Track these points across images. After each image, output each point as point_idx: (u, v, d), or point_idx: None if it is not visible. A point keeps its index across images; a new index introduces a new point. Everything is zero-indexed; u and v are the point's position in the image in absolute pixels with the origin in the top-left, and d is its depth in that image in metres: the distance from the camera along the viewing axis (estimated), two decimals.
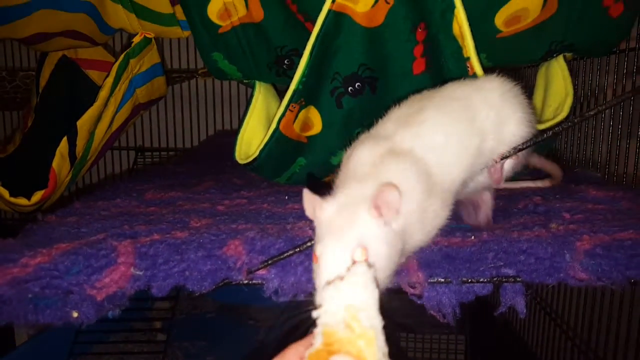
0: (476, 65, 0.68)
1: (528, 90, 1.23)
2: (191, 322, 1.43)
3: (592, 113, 0.57)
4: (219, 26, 0.83)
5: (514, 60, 1.03)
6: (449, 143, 0.56)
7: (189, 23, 0.84)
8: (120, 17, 0.93)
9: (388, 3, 0.67)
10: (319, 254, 0.43)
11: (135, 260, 0.57)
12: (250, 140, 0.87)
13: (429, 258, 0.58)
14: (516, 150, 0.59)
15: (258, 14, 0.80)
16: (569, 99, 0.78)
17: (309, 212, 0.48)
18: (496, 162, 0.60)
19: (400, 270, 0.57)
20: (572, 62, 1.02)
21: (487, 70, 0.70)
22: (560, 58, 0.82)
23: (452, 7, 0.66)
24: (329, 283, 0.40)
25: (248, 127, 0.88)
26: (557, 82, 0.81)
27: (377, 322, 0.38)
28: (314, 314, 0.39)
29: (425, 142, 0.54)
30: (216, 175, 1.07)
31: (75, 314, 0.57)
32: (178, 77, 1.55)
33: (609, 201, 0.74)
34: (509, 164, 0.64)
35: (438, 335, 1.62)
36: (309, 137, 0.84)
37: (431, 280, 0.57)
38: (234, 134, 0.92)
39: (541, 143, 0.60)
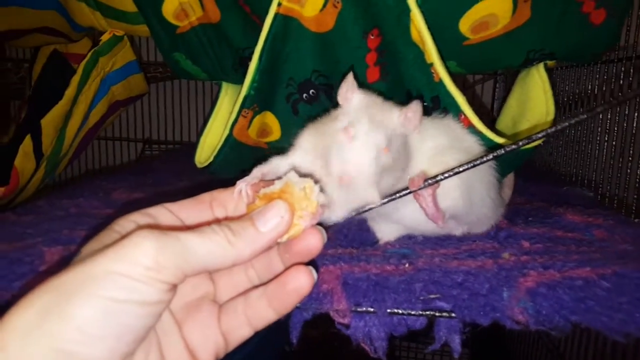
0: (441, 71, 0.61)
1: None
2: None
3: (551, 130, 0.51)
4: (177, 26, 0.80)
5: (488, 67, 0.95)
6: None
7: (147, 24, 0.81)
8: (86, 16, 0.92)
9: (336, 7, 0.62)
10: (354, 133, 0.47)
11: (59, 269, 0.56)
12: (213, 144, 0.83)
13: (356, 285, 0.54)
14: (455, 172, 0.52)
15: (215, 15, 0.76)
16: (550, 119, 0.70)
17: (341, 93, 0.53)
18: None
19: (324, 297, 0.53)
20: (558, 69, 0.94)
21: (458, 76, 0.64)
22: (541, 67, 0.74)
23: (407, 10, 0.59)
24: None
25: (212, 129, 0.84)
26: (537, 95, 0.73)
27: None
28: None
29: None
30: (195, 177, 1.05)
31: None
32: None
33: (582, 228, 0.67)
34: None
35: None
36: (268, 143, 0.80)
37: (359, 310, 0.53)
38: None
39: (493, 160, 0.53)
